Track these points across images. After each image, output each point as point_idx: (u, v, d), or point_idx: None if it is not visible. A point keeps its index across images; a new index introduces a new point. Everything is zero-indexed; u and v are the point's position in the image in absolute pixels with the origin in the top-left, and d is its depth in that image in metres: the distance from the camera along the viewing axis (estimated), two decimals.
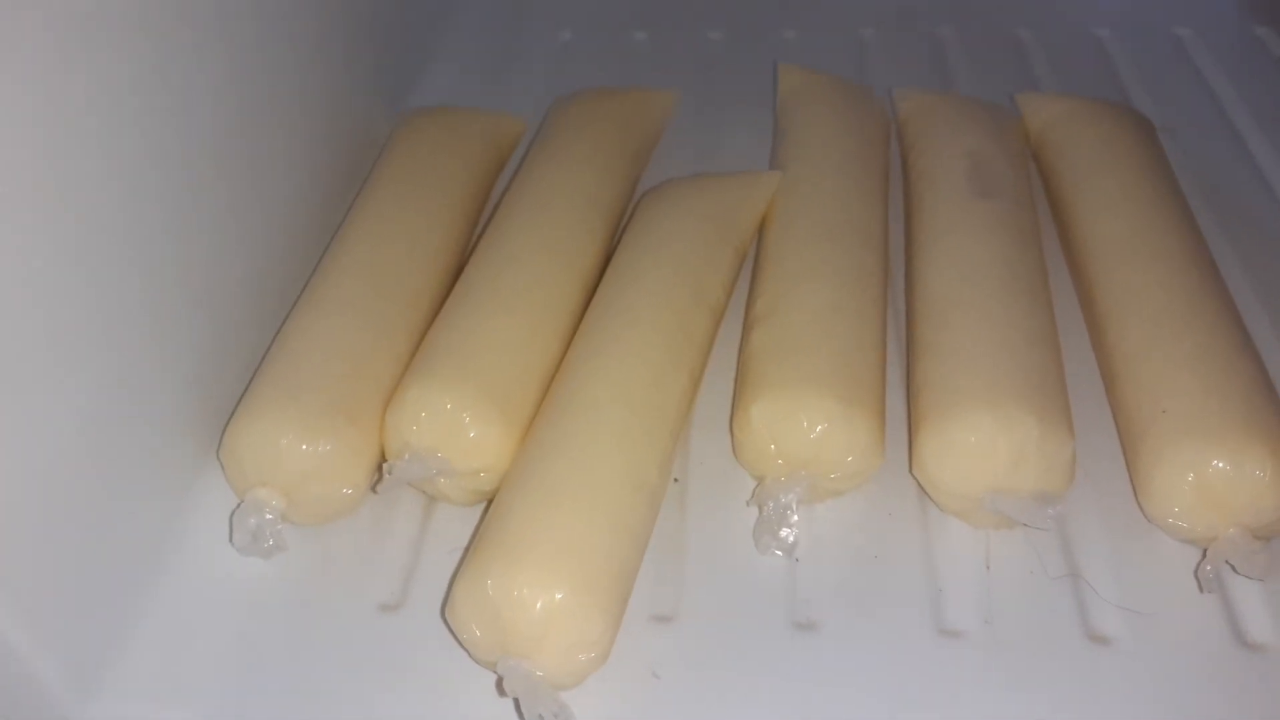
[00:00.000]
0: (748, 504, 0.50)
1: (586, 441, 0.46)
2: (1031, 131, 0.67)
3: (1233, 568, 0.45)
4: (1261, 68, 0.79)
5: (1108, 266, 0.55)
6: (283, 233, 0.58)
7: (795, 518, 0.47)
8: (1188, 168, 0.66)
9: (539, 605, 0.40)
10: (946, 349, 0.50)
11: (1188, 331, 0.50)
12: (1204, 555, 0.46)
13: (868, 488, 0.51)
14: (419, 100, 0.76)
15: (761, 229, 0.60)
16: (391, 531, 0.50)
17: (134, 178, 0.45)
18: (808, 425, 0.47)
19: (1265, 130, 0.71)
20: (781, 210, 0.59)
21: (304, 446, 0.47)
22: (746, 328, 0.54)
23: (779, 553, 0.48)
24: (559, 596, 0.40)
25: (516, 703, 0.41)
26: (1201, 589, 0.46)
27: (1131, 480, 0.49)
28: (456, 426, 0.47)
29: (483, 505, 0.50)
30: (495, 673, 0.42)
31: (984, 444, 0.46)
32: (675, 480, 0.51)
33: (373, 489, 0.49)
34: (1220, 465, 0.45)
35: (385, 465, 0.48)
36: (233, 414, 0.49)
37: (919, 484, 0.50)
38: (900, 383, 0.54)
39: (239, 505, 0.48)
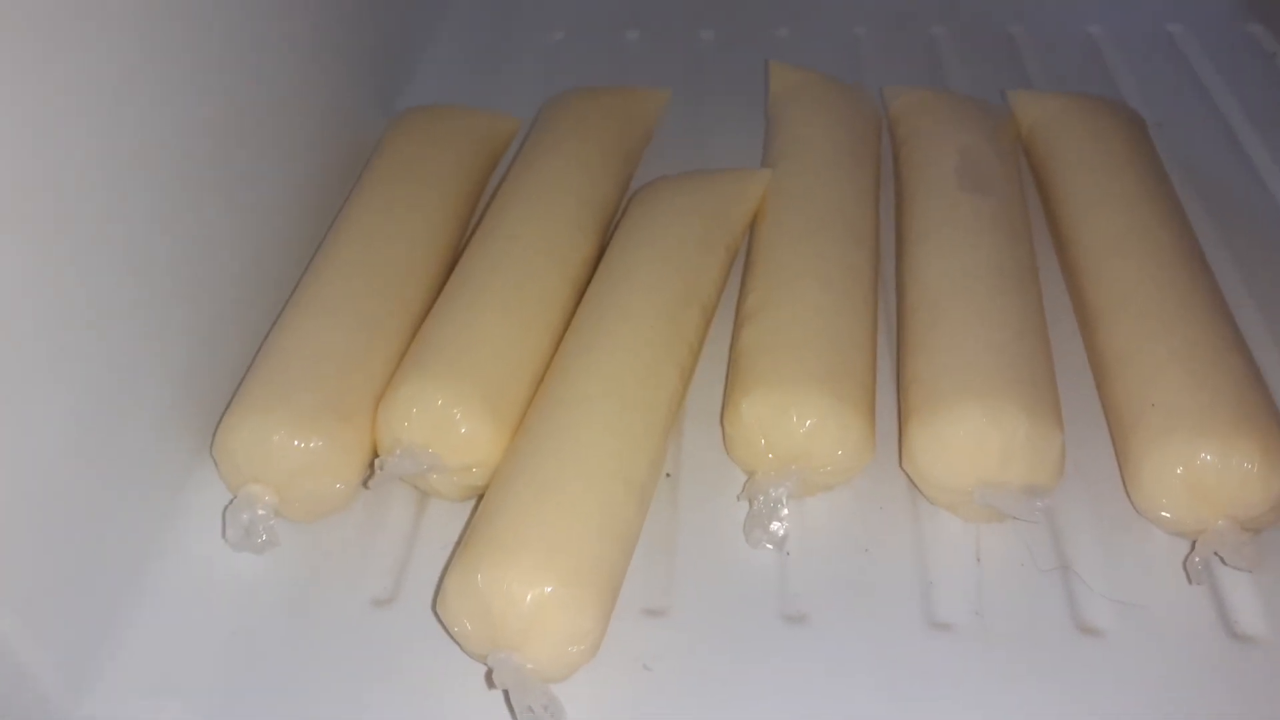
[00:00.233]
0: (739, 498, 0.50)
1: (577, 436, 0.46)
2: (1023, 128, 0.67)
3: (1222, 559, 0.45)
4: (1253, 64, 0.79)
5: (1098, 261, 0.55)
6: (275, 231, 0.58)
7: (786, 512, 0.47)
8: (1179, 164, 0.66)
9: (529, 598, 0.40)
10: (937, 344, 0.50)
11: (1177, 326, 0.50)
12: (1193, 547, 0.46)
13: (858, 482, 0.51)
14: (411, 99, 0.76)
15: (753, 226, 0.60)
16: (384, 527, 0.50)
17: (125, 176, 0.45)
18: (798, 420, 0.47)
19: (1257, 126, 0.72)
20: (773, 207, 0.59)
21: (296, 443, 0.47)
22: (738, 324, 0.54)
23: (770, 546, 0.48)
24: (549, 590, 0.41)
25: (506, 695, 0.41)
26: (1191, 581, 0.46)
27: (1121, 473, 0.49)
28: (448, 422, 0.47)
29: (474, 500, 0.51)
30: (486, 665, 0.42)
31: (974, 437, 0.46)
32: (667, 475, 0.52)
33: (365, 484, 0.50)
34: (1209, 458, 0.45)
35: (377, 461, 0.48)
36: (226, 411, 0.49)
37: (909, 478, 0.50)
38: (891, 377, 0.55)
39: (232, 501, 0.48)
